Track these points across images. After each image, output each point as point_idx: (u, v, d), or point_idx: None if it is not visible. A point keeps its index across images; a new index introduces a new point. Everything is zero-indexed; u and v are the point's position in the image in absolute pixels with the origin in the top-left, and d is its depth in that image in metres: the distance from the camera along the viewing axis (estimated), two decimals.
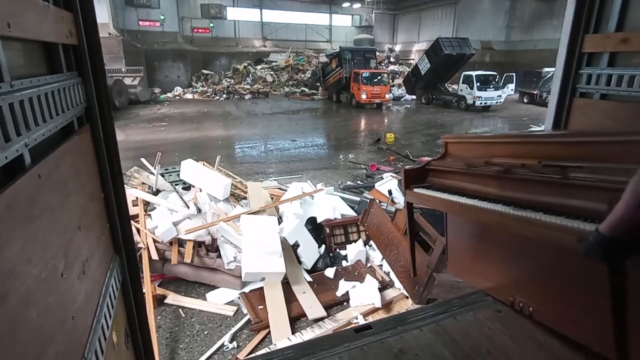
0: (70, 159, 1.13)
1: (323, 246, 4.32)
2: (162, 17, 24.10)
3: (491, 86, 17.65)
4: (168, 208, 4.17)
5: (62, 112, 1.10)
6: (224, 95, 21.72)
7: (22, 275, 0.74)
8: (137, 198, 4.33)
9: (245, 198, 4.95)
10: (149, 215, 4.14)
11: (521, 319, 2.15)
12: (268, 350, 2.73)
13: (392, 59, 29.26)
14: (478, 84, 17.27)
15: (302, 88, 23.87)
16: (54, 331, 0.87)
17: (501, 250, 2.20)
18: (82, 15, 1.29)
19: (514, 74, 19.77)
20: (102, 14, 18.38)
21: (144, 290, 2.74)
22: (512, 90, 19.55)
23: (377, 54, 22.76)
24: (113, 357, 1.29)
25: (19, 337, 0.71)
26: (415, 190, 2.40)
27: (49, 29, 1.05)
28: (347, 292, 3.58)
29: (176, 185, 4.91)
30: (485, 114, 17.04)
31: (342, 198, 5.27)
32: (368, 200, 4.71)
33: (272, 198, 4.99)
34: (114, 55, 17.87)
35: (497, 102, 17.73)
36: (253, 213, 4.21)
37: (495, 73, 18.45)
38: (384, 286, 3.68)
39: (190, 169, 4.91)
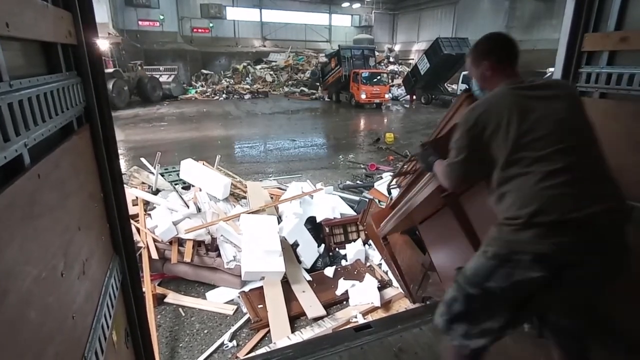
0: (70, 159, 1.13)
1: (322, 245, 4.32)
2: (161, 17, 24.03)
3: None
4: (168, 207, 4.16)
5: (61, 112, 1.10)
6: (224, 95, 21.68)
7: (22, 275, 0.74)
8: (137, 197, 4.33)
9: (244, 197, 4.94)
10: (149, 214, 4.14)
11: None
12: (268, 349, 2.73)
13: (391, 59, 29.23)
14: None
15: (302, 88, 23.83)
16: (54, 331, 0.87)
17: (452, 244, 2.55)
18: (81, 15, 1.29)
19: None
20: (102, 14, 18.39)
21: (143, 289, 2.76)
22: None
23: (377, 53, 22.70)
24: (113, 356, 1.29)
25: (18, 337, 0.71)
26: (381, 224, 3.22)
27: (47, 29, 1.05)
28: (347, 291, 3.58)
29: (176, 184, 4.90)
30: None
31: (342, 197, 5.27)
32: (367, 200, 4.72)
33: (271, 197, 4.99)
34: None
35: None
36: (253, 212, 4.22)
37: None
38: (383, 285, 3.68)
39: (189, 168, 4.91)
